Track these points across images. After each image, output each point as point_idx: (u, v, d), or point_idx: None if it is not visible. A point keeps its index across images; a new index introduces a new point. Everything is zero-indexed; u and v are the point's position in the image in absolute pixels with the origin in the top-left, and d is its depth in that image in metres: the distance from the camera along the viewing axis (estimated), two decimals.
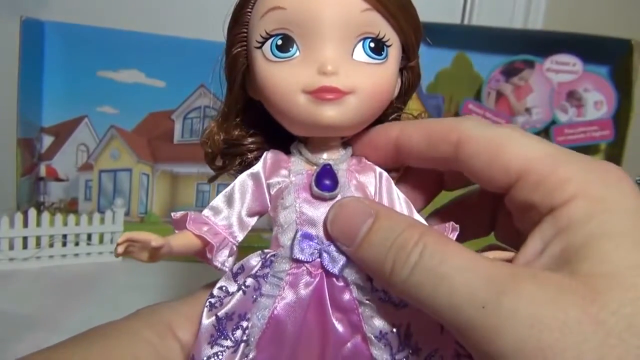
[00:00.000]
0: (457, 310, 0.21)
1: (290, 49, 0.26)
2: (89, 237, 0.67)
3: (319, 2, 0.25)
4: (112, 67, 0.71)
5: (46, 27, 0.69)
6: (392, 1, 0.26)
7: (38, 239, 0.64)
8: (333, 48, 0.26)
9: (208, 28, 0.69)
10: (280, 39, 0.26)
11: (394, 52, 0.27)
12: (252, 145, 0.29)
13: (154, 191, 0.74)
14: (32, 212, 0.63)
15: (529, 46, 0.71)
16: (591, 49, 0.69)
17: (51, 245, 0.65)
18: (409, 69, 0.29)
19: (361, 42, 0.26)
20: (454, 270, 0.21)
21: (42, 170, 0.71)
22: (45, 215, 0.64)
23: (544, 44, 0.71)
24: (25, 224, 0.63)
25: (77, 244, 0.66)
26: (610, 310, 0.19)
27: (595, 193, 0.21)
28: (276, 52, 0.26)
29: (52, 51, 0.69)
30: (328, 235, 0.27)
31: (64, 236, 0.65)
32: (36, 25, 0.67)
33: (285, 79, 0.26)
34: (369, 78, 0.26)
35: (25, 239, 0.64)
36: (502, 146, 0.23)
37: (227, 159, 0.30)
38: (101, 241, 0.67)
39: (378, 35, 0.26)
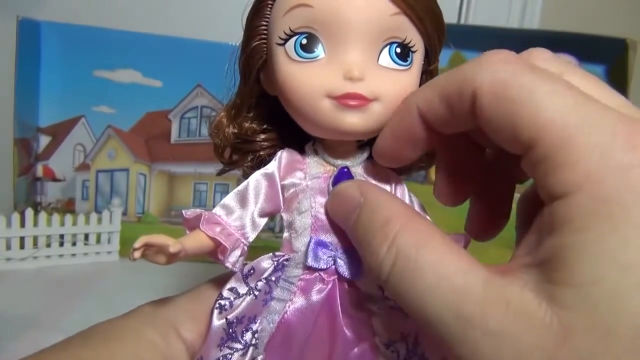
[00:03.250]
0: (432, 330, 0.19)
1: (315, 50, 0.25)
2: (86, 237, 0.67)
3: (347, 3, 0.24)
4: (108, 66, 0.71)
5: (42, 27, 0.68)
6: (421, 5, 0.25)
7: (35, 239, 0.64)
8: (360, 52, 0.25)
9: (205, 28, 0.69)
10: (305, 37, 0.25)
11: (418, 57, 0.26)
12: (265, 143, 0.29)
13: (151, 191, 0.74)
14: (29, 212, 0.63)
15: (525, 45, 0.71)
16: (587, 48, 0.70)
17: (48, 245, 0.65)
18: (427, 73, 0.28)
19: (387, 47, 0.25)
20: (424, 291, 0.19)
21: (39, 170, 0.71)
22: (43, 215, 0.64)
23: (539, 43, 0.71)
24: (23, 224, 0.63)
25: (74, 244, 0.66)
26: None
27: (605, 188, 0.16)
28: (300, 51, 0.25)
29: (48, 51, 0.69)
30: (343, 242, 0.26)
31: (61, 236, 0.65)
32: (32, 25, 0.67)
33: (309, 82, 0.25)
34: (394, 85, 0.25)
35: (22, 239, 0.64)
36: (518, 105, 0.18)
37: (239, 155, 0.29)
38: (98, 241, 0.67)
39: (404, 40, 0.25)
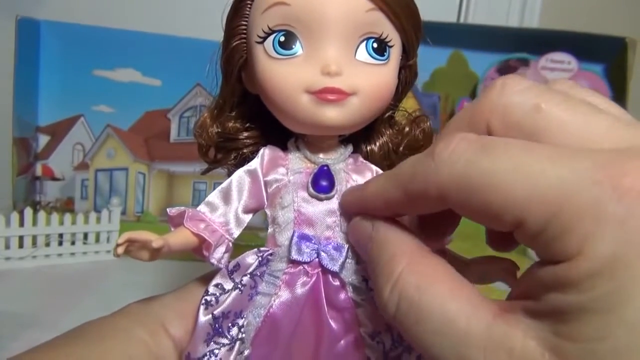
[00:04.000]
0: None
1: (293, 47, 0.25)
2: (85, 236, 0.67)
3: (323, 0, 0.25)
4: (108, 66, 0.71)
5: (42, 26, 0.68)
6: (396, 2, 0.26)
7: (34, 238, 0.64)
8: (337, 48, 0.25)
9: (204, 27, 0.69)
10: (283, 35, 0.25)
11: (396, 52, 0.27)
12: (247, 140, 0.29)
13: (150, 190, 0.74)
14: (28, 212, 0.63)
15: (524, 44, 0.71)
16: (586, 47, 0.70)
17: (47, 245, 0.65)
18: (407, 68, 0.29)
19: (364, 42, 0.26)
20: (428, 333, 0.20)
21: (38, 169, 0.71)
22: (42, 215, 0.64)
23: (539, 42, 0.71)
24: (22, 223, 0.63)
25: (73, 243, 0.66)
26: None
27: (606, 245, 0.16)
28: (279, 48, 0.25)
29: (47, 50, 0.69)
30: (325, 234, 0.27)
31: (60, 235, 0.65)
32: (32, 24, 0.67)
33: (287, 78, 0.25)
34: (372, 79, 0.26)
35: (21, 238, 0.64)
36: (487, 194, 0.18)
37: (222, 153, 0.30)
38: (97, 240, 0.67)
39: (381, 35, 0.26)
